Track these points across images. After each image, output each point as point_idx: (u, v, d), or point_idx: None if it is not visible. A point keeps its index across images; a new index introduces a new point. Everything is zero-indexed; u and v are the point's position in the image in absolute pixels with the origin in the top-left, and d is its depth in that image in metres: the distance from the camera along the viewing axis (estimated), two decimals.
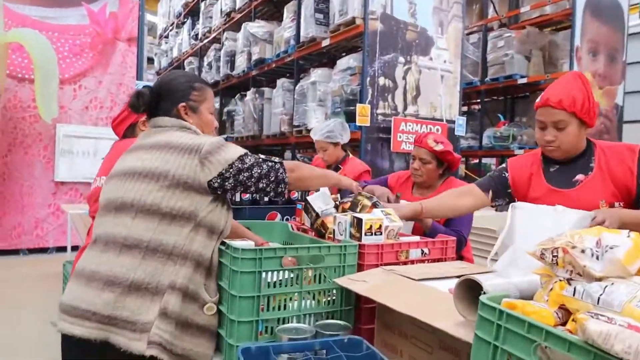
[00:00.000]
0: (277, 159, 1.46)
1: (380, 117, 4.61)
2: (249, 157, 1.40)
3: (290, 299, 1.29)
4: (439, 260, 1.47)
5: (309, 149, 7.85)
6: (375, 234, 1.41)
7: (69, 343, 1.28)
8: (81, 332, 1.24)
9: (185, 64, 10.36)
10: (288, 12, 6.16)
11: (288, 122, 5.90)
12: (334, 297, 1.32)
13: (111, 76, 3.40)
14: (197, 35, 9.91)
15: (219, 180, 1.35)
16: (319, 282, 1.31)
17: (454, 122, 5.36)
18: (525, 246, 1.59)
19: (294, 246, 1.36)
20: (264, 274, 1.24)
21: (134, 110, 1.52)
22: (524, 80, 6.95)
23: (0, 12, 3.28)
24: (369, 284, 1.19)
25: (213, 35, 8.87)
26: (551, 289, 0.77)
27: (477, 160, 8.19)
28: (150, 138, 1.45)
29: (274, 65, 6.34)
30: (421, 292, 1.10)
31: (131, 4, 3.45)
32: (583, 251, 0.74)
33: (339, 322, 1.26)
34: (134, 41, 3.47)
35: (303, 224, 1.78)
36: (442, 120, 5.19)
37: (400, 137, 4.64)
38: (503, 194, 1.84)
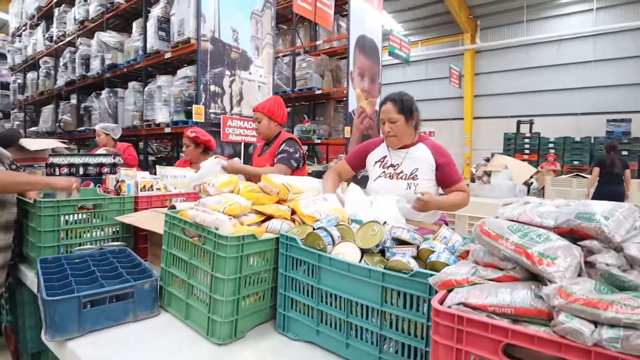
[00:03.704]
0: None
1: (212, 115, 4.69)
2: None
3: (87, 231, 1.55)
4: None
5: (159, 139, 7.54)
6: (147, 190, 1.74)
7: None
8: None
9: (40, 62, 8.80)
10: (136, 26, 5.72)
11: (139, 117, 5.55)
12: (118, 229, 1.62)
13: None
14: (52, 37, 8.46)
15: None
16: (106, 220, 1.61)
17: None
18: None
19: (88, 198, 1.59)
20: (62, 217, 1.49)
21: None
22: (320, 92, 7.62)
23: None
24: (134, 217, 1.51)
25: (68, 39, 7.69)
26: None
27: None
28: None
29: (125, 70, 5.85)
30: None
31: None
32: (208, 184, 1.25)
33: (118, 243, 1.56)
34: None
35: (108, 188, 1.96)
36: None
37: (228, 130, 4.78)
38: None
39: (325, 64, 7.95)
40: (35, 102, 9.17)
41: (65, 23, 7.91)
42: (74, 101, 7.35)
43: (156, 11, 5.08)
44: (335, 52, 8.14)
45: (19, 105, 9.99)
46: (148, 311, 1.18)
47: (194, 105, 4.48)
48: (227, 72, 4.87)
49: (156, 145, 8.58)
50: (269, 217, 1.21)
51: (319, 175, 7.77)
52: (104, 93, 6.26)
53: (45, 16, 8.96)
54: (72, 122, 7.29)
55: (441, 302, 0.71)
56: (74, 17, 7.36)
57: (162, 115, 5.04)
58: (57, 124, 7.75)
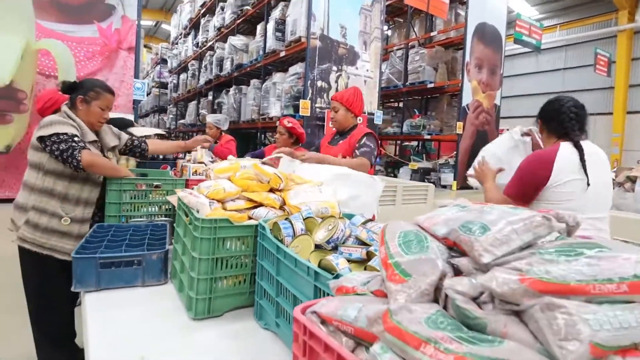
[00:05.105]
0: (83, 144, 1.62)
1: (317, 110, 4.86)
2: (63, 136, 1.58)
3: (144, 206, 1.75)
4: None
5: (273, 132, 8.05)
6: (198, 175, 1.91)
7: None
8: None
9: (189, 65, 10.30)
10: (260, 29, 6.25)
11: (257, 111, 6.09)
12: (169, 207, 1.77)
13: (115, 75, 3.53)
14: (198, 43, 9.84)
15: (41, 145, 1.60)
16: (162, 197, 1.78)
17: (373, 114, 5.64)
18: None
19: (150, 178, 1.80)
20: (124, 193, 1.70)
21: (61, 92, 1.78)
22: (432, 85, 7.22)
23: (32, 27, 3.37)
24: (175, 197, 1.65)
25: (209, 44, 8.85)
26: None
27: (399, 142, 8.51)
28: None
29: (248, 69, 6.46)
30: None
31: (131, 22, 3.56)
32: (212, 170, 1.27)
33: (166, 219, 1.71)
34: (132, 50, 3.60)
35: (178, 171, 2.21)
36: (365, 113, 5.46)
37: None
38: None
39: (440, 56, 7.47)
40: (184, 98, 10.80)
41: (208, 30, 9.10)
42: (210, 97, 8.45)
43: (275, 13, 5.46)
44: (451, 43, 7.59)
45: (173, 102, 11.91)
46: (155, 279, 1.31)
47: (301, 100, 4.70)
48: (334, 68, 4.97)
49: (273, 137, 9.29)
50: (260, 205, 1.23)
51: (427, 172, 7.40)
52: (232, 90, 7.03)
53: (194, 26, 10.45)
54: (207, 115, 8.40)
55: (306, 309, 0.62)
56: (214, 25, 8.41)
57: (275, 109, 5.42)
58: (197, 117, 9.01)
